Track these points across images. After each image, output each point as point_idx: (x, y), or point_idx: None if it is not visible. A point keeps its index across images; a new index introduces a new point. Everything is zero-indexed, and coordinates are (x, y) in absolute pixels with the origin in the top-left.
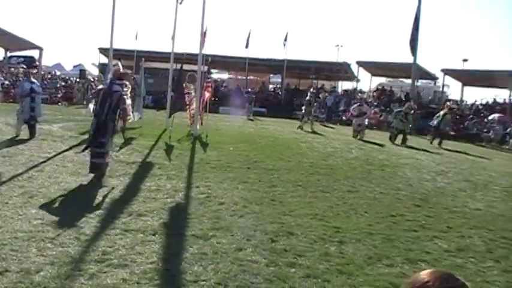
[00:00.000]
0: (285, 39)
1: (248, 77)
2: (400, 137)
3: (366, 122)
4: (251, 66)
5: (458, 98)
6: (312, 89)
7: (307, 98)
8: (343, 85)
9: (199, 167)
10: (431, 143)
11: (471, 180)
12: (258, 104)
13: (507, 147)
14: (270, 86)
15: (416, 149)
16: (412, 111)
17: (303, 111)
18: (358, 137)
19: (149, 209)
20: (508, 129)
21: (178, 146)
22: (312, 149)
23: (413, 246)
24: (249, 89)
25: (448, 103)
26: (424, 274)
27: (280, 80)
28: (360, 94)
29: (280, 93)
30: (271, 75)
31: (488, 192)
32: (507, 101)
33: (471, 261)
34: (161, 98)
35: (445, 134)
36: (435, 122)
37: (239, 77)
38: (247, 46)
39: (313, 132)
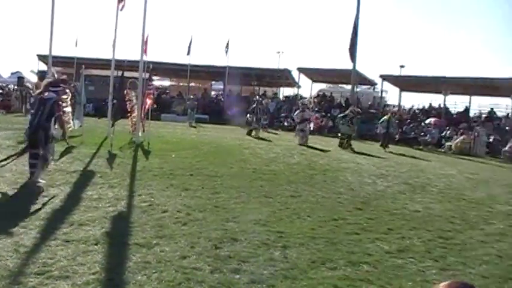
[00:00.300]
0: (227, 46)
1: (190, 84)
2: (346, 142)
3: (308, 127)
4: (193, 73)
5: (396, 103)
6: (257, 96)
7: (254, 105)
8: (285, 91)
9: (141, 175)
10: (384, 148)
11: (410, 183)
12: (200, 110)
13: (443, 150)
14: (212, 93)
15: (357, 153)
16: (358, 116)
17: (250, 118)
18: (302, 142)
19: (91, 218)
20: (444, 133)
21: (120, 154)
22: (255, 155)
23: (355, 248)
24: (191, 96)
25: (387, 108)
26: (443, 286)
27: (222, 87)
28: (301, 100)
29: (222, 99)
30: (213, 82)
31: (426, 194)
32: (442, 105)
33: (411, 262)
34: (102, 105)
35: (393, 138)
36: (382, 128)
37: (181, 83)
38: (188, 53)
39: (258, 138)
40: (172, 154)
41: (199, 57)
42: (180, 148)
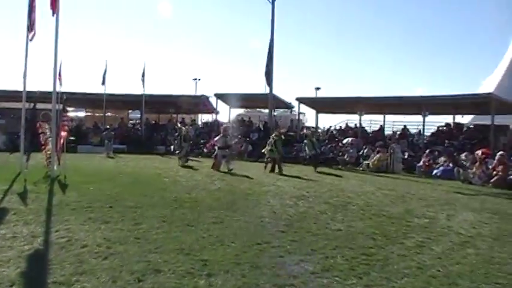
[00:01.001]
0: (143, 75)
1: (106, 114)
2: (270, 166)
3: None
4: (109, 102)
5: (313, 124)
6: (178, 124)
7: (177, 133)
8: (203, 117)
9: (58, 210)
10: (315, 170)
11: (331, 203)
12: (117, 140)
13: (361, 168)
14: (130, 122)
15: (284, 175)
16: (281, 138)
17: (177, 146)
18: (226, 167)
19: (5, 258)
20: (361, 151)
21: (35, 189)
22: (175, 183)
23: (280, 271)
24: (108, 126)
25: (307, 129)
26: None
27: (139, 116)
28: (224, 125)
29: (140, 128)
30: (130, 111)
31: (347, 212)
32: (358, 125)
33: (336, 280)
34: (14, 139)
35: (318, 159)
36: (309, 151)
37: (97, 114)
38: (103, 82)
39: (184, 166)
40: (90, 186)
41: (115, 86)
42: (98, 180)
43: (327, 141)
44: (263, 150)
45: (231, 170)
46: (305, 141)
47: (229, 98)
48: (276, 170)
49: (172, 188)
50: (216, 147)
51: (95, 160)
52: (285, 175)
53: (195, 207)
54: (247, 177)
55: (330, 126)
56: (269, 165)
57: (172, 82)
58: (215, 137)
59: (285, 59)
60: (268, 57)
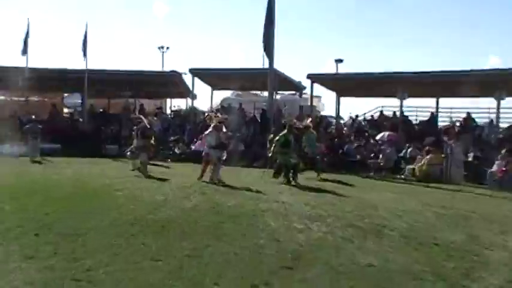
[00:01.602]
0: (84, 43)
1: (30, 99)
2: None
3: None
4: (34, 81)
5: (333, 112)
6: (136, 114)
7: (137, 126)
8: (174, 104)
9: None
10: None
11: (358, 226)
12: (47, 138)
13: (403, 176)
14: (65, 111)
15: (287, 183)
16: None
17: (133, 146)
18: (217, 177)
19: None
20: (403, 152)
21: None
22: (134, 199)
23: None
24: (33, 116)
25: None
26: None
27: (80, 101)
28: (208, 114)
29: (81, 120)
30: (66, 95)
31: (382, 239)
32: (398, 113)
33: None
34: None
35: (316, 162)
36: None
37: (15, 98)
38: (25, 51)
39: (148, 177)
40: (5, 205)
41: (44, 59)
42: (19, 195)
43: (351, 137)
44: (269, 154)
45: (213, 180)
46: (304, 137)
47: (211, 76)
48: (279, 177)
49: (129, 205)
50: (206, 146)
51: (14, 166)
52: (291, 185)
53: (162, 233)
54: (238, 188)
55: (357, 116)
56: (286, 175)
57: (129, 53)
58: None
59: (292, 21)
60: (268, 15)
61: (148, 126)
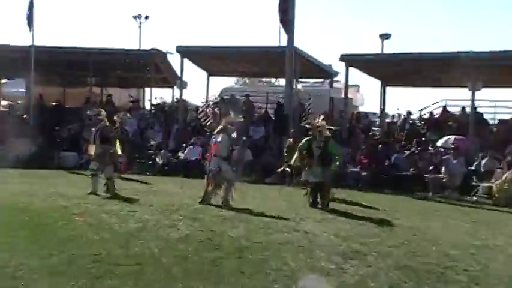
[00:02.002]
0: (30, 9)
1: None
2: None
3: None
4: None
5: (376, 108)
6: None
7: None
8: (156, 95)
9: None
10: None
11: (411, 267)
12: None
13: (474, 197)
14: (3, 103)
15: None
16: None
17: (90, 154)
18: (227, 198)
19: None
20: (475, 164)
21: None
22: (100, 227)
23: None
24: None
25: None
26: None
27: (24, 90)
28: (213, 111)
29: (25, 116)
30: (5, 81)
31: (446, 287)
32: (468, 109)
33: None
34: None
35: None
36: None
37: None
38: None
39: (111, 193)
40: None
41: None
42: None
43: (401, 143)
44: (290, 162)
45: (228, 203)
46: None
47: (207, 57)
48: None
49: (92, 236)
50: (213, 158)
51: None
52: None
53: (138, 275)
54: (244, 213)
55: (409, 113)
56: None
57: (93, 25)
58: (182, 134)
59: None
60: None
61: (108, 125)
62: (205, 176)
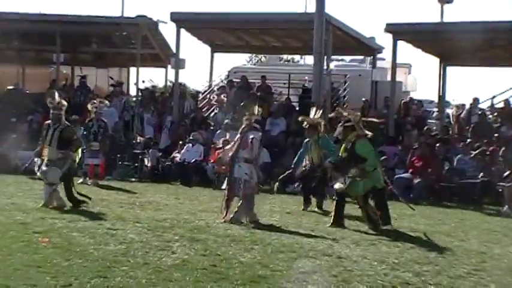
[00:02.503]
0: None
1: None
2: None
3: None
4: None
5: (434, 94)
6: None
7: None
8: (143, 77)
9: None
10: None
11: None
12: None
13: None
14: None
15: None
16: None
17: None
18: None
19: None
20: None
21: None
22: (70, 250)
23: None
24: None
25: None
26: None
27: None
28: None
29: None
30: None
31: None
32: None
33: None
34: None
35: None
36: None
37: None
38: None
39: (77, 201)
40: None
41: None
42: None
43: (465, 142)
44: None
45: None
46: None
47: (211, 27)
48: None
49: (60, 261)
50: (238, 166)
51: None
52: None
53: None
54: (257, 232)
55: (476, 101)
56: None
57: None
58: (177, 129)
59: None
60: None
61: (70, 126)
62: (228, 186)
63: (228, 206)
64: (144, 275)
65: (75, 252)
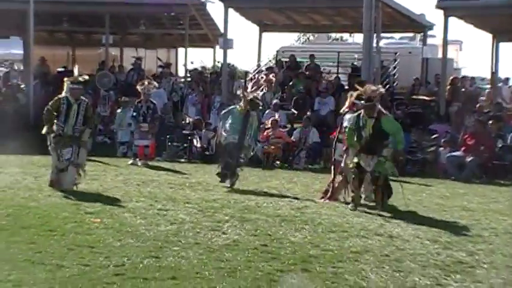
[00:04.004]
0: None
1: None
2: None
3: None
4: None
5: (486, 72)
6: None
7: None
8: (191, 58)
9: None
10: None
11: None
12: None
13: None
14: None
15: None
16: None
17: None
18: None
19: None
20: None
21: None
22: (122, 230)
23: None
24: None
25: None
26: None
27: (20, 52)
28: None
29: (23, 86)
30: None
31: None
32: None
33: None
34: None
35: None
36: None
37: None
38: None
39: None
40: None
41: None
42: None
43: None
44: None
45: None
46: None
47: (259, 5)
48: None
49: (112, 242)
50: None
51: None
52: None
53: None
54: (309, 209)
55: None
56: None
57: None
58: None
59: None
60: None
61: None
62: (334, 164)
63: (336, 188)
64: (196, 255)
65: (127, 232)
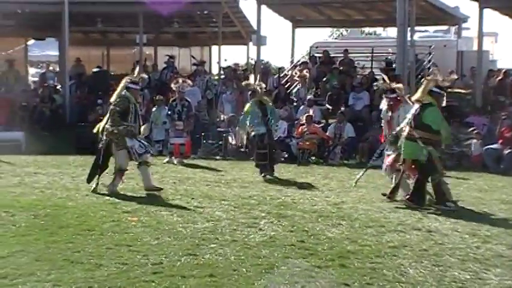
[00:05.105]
0: None
1: None
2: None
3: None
4: None
5: None
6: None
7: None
8: (224, 55)
9: None
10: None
11: None
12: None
13: None
14: (32, 71)
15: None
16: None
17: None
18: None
19: None
20: None
21: None
22: (159, 228)
23: None
24: None
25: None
26: None
27: (56, 54)
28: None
29: (59, 87)
30: (31, 42)
31: None
32: None
33: None
34: None
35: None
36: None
37: None
38: None
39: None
40: None
41: None
42: None
43: None
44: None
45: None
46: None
47: (292, 1)
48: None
49: (150, 240)
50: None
51: None
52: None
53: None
54: (346, 204)
55: None
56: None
57: None
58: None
59: None
60: None
61: (118, 98)
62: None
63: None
64: (233, 252)
65: (164, 230)
